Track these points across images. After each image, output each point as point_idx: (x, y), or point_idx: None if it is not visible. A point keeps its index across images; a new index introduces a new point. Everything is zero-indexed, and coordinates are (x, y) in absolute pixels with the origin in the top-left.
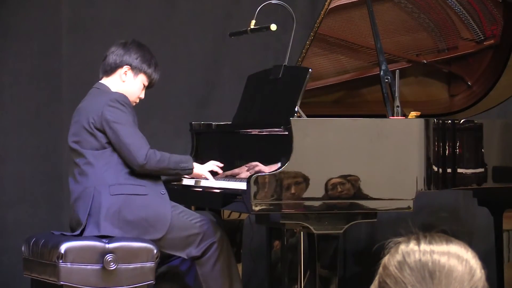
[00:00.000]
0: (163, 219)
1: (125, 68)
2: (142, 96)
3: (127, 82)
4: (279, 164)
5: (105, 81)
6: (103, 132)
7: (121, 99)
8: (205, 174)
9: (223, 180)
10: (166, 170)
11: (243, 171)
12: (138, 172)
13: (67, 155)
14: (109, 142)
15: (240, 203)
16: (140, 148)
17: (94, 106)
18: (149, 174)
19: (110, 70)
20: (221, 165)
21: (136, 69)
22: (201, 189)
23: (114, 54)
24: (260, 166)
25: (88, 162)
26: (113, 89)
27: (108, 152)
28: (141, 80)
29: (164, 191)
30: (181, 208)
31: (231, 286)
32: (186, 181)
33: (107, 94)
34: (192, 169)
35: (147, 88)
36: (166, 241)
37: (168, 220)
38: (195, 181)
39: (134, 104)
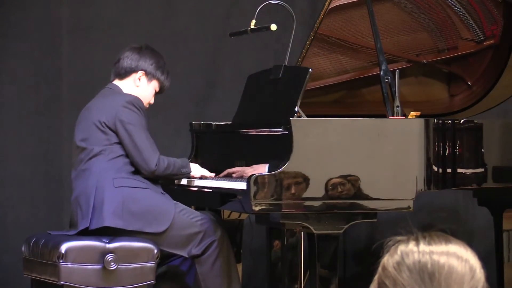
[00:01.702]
0: (167, 212)
1: (140, 73)
2: (152, 101)
3: (141, 87)
4: (266, 166)
5: (118, 83)
6: (115, 132)
7: (136, 102)
8: (199, 175)
9: (223, 180)
10: (170, 176)
11: (240, 172)
12: (148, 176)
13: (67, 155)
14: (119, 142)
15: (240, 203)
16: (151, 154)
17: (107, 105)
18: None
19: (124, 74)
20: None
21: (150, 75)
22: (201, 189)
23: (129, 59)
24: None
25: (93, 155)
26: (126, 92)
27: (115, 149)
28: (154, 86)
29: (163, 192)
30: (182, 206)
31: (229, 285)
32: (185, 181)
33: (122, 95)
34: (189, 173)
35: (157, 93)
36: (167, 239)
37: (172, 214)
38: (195, 180)
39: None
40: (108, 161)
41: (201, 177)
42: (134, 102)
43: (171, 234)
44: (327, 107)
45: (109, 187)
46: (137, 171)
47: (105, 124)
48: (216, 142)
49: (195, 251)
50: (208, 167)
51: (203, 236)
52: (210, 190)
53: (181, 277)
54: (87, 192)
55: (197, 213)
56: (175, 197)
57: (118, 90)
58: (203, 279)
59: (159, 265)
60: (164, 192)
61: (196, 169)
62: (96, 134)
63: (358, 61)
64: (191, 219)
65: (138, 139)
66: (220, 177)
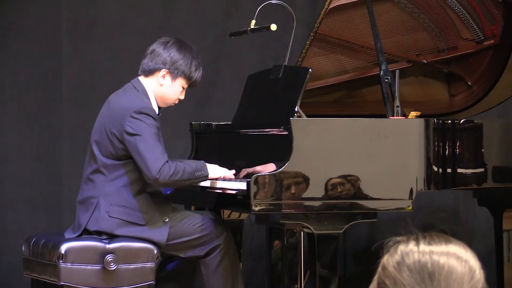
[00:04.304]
0: (154, 247)
1: (163, 71)
2: (182, 97)
3: (165, 86)
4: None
5: (142, 80)
6: (122, 142)
7: (144, 110)
8: (222, 175)
9: (223, 180)
10: (180, 182)
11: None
12: (153, 185)
13: (67, 155)
14: (125, 155)
15: (240, 203)
16: (155, 161)
17: (118, 113)
18: (158, 199)
19: (149, 71)
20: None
21: (174, 73)
22: (201, 189)
23: (153, 55)
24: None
25: (99, 170)
26: (150, 90)
27: (120, 167)
28: (180, 83)
29: (167, 218)
30: (183, 215)
31: (233, 287)
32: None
33: (135, 102)
34: (207, 175)
35: (189, 87)
36: (168, 247)
37: (158, 250)
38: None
39: (173, 105)
40: (112, 180)
41: (224, 179)
42: (141, 110)
43: (173, 242)
44: (327, 107)
45: (104, 214)
46: (141, 191)
47: (114, 135)
48: (216, 142)
49: (197, 252)
50: None
51: (205, 241)
52: (211, 191)
53: (183, 278)
54: (87, 207)
55: (199, 218)
56: (175, 197)
57: (141, 88)
58: (207, 280)
59: (160, 266)
60: (167, 219)
61: (215, 171)
62: (106, 142)
63: (358, 61)
64: (193, 226)
65: (142, 147)
66: (240, 177)
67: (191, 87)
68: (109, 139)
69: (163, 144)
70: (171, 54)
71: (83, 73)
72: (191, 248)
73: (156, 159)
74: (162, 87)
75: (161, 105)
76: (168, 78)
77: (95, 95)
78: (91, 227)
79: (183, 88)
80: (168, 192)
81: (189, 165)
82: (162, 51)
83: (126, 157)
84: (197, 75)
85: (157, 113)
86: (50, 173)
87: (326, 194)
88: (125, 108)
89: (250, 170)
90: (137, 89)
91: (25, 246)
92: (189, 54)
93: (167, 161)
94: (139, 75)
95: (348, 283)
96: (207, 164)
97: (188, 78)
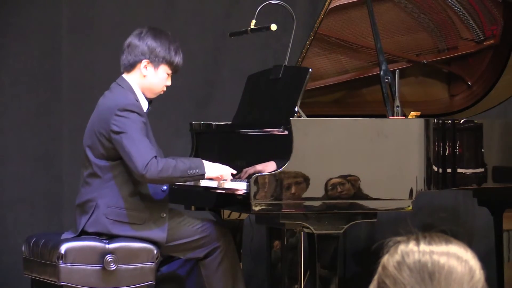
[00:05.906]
0: (152, 247)
1: (144, 62)
2: (169, 83)
3: (149, 76)
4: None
5: (126, 77)
6: (110, 142)
7: (128, 107)
8: (224, 175)
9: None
10: (170, 179)
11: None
12: (142, 182)
13: (67, 155)
14: (116, 155)
15: (240, 203)
16: (141, 157)
17: (105, 114)
18: (154, 196)
19: (130, 66)
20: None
21: (155, 61)
22: (201, 189)
23: (130, 48)
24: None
25: (94, 172)
26: (135, 85)
27: (113, 168)
28: (164, 70)
29: (164, 214)
30: (182, 216)
31: (234, 287)
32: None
33: (119, 99)
34: (203, 174)
35: (173, 73)
36: (167, 248)
37: (157, 250)
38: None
39: (162, 92)
40: (107, 181)
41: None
42: (125, 107)
43: (172, 244)
44: (327, 107)
45: (101, 215)
46: (136, 190)
47: (103, 135)
48: (216, 142)
49: (197, 255)
50: None
51: (204, 243)
52: (211, 191)
53: (182, 280)
54: (85, 209)
55: (199, 219)
56: (175, 197)
57: (126, 86)
58: (208, 282)
59: (160, 266)
60: (164, 215)
61: (213, 170)
62: (96, 144)
63: (358, 61)
64: (192, 227)
65: (127, 144)
66: (242, 178)
67: (175, 73)
68: (99, 141)
69: (153, 138)
70: (148, 43)
71: (83, 73)
72: (190, 250)
73: (141, 155)
74: (147, 78)
75: (150, 96)
76: (150, 67)
77: (95, 95)
78: (90, 229)
79: (168, 74)
80: (164, 188)
81: (183, 163)
82: (138, 42)
83: (118, 157)
84: (178, 59)
85: (147, 106)
86: (50, 173)
87: (326, 194)
88: (110, 107)
89: (250, 169)
90: (122, 86)
91: (25, 246)
92: (166, 39)
93: (155, 157)
94: (122, 73)
95: (348, 283)
96: (208, 163)
97: (170, 63)
